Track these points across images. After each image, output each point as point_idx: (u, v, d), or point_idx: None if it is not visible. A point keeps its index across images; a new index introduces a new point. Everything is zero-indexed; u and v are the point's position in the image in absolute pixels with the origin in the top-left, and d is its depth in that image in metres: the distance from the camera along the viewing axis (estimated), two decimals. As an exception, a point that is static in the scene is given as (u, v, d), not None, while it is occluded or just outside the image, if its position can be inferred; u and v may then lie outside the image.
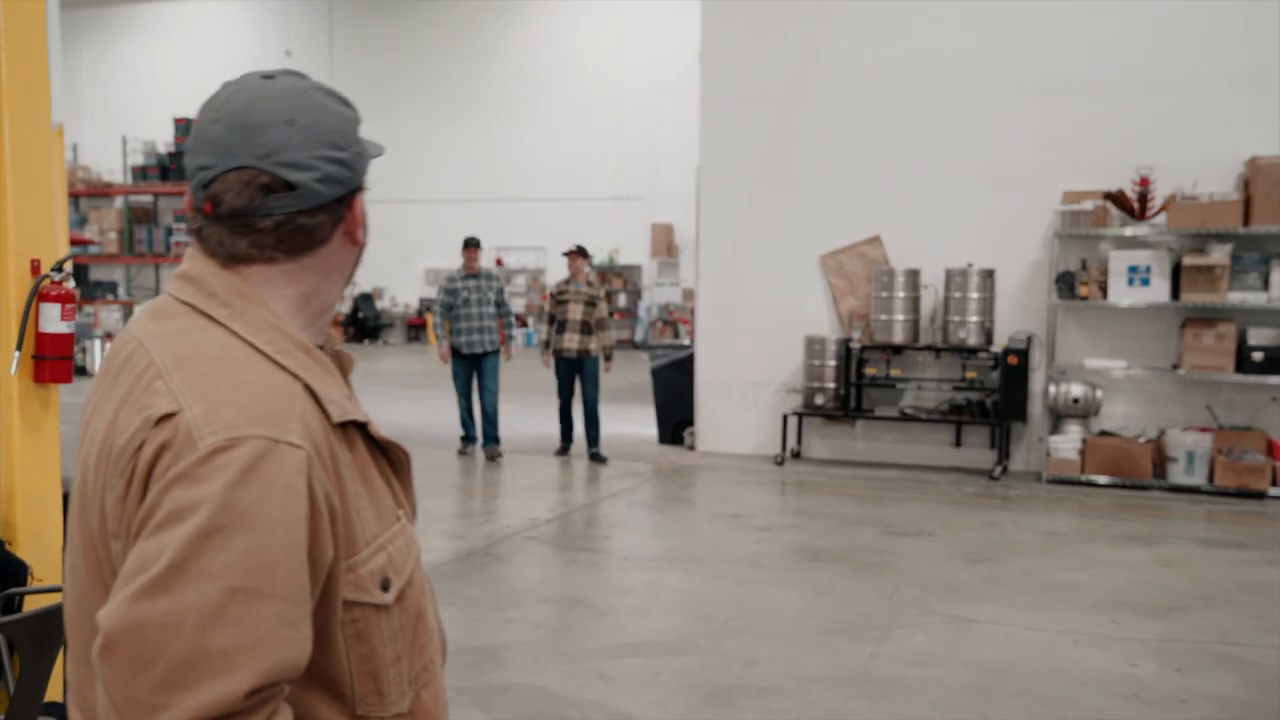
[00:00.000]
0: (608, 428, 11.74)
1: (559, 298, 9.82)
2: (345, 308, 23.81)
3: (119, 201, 24.87)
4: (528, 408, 13.13)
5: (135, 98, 24.85)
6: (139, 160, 22.36)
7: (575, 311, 9.69)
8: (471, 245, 9.77)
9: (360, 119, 1.38)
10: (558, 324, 9.77)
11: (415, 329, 24.53)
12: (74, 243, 18.34)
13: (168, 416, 1.17)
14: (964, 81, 9.51)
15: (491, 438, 9.81)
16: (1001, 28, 9.40)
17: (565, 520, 7.71)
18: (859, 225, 9.77)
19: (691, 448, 10.43)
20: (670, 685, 4.67)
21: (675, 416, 10.74)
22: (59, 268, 3.71)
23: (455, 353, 9.69)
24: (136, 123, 24.27)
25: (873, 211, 9.76)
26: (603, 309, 9.91)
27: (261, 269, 1.30)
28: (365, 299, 23.76)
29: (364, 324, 23.73)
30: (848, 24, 9.85)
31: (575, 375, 9.84)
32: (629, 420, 12.08)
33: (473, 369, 9.70)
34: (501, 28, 22.86)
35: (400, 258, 23.65)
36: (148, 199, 24.47)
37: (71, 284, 3.74)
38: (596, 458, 9.84)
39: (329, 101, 1.33)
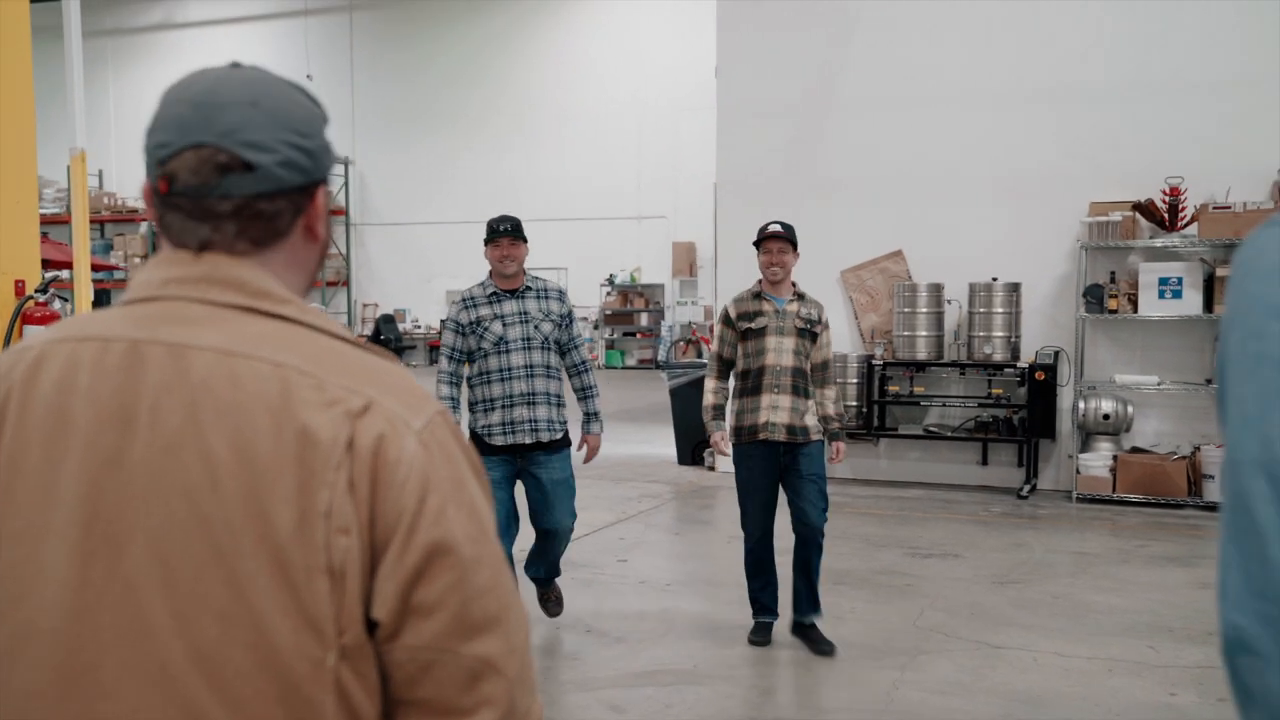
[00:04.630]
0: (625, 448, 11.53)
1: (748, 321, 5.28)
2: (368, 329, 23.78)
3: (143, 227, 24.97)
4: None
5: (159, 124, 24.97)
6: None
7: (783, 350, 5.22)
8: (505, 234, 5.06)
9: (327, 118, 1.32)
10: (746, 376, 5.27)
11: (437, 350, 24.48)
12: (96, 268, 18.32)
13: (365, 409, 1.14)
14: (986, 90, 9.31)
15: (548, 576, 5.55)
16: (1025, 34, 9.21)
17: (581, 543, 7.51)
18: (880, 239, 9.57)
19: (711, 468, 10.22)
20: (683, 716, 4.48)
21: (695, 437, 10.54)
22: (44, 289, 3.59)
23: (480, 445, 5.05)
24: (160, 148, 24.39)
25: (894, 225, 9.56)
26: (827, 341, 5.39)
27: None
28: (387, 320, 23.74)
29: (386, 345, 23.70)
30: (866, 34, 9.68)
31: (780, 474, 5.25)
32: (648, 441, 11.90)
33: (514, 477, 5.15)
34: (520, 49, 22.84)
35: (421, 280, 23.61)
36: (171, 224, 24.58)
37: (58, 306, 3.61)
38: (818, 645, 5.21)
39: (295, 93, 1.28)
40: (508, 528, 5.10)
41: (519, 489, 5.22)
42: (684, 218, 21.73)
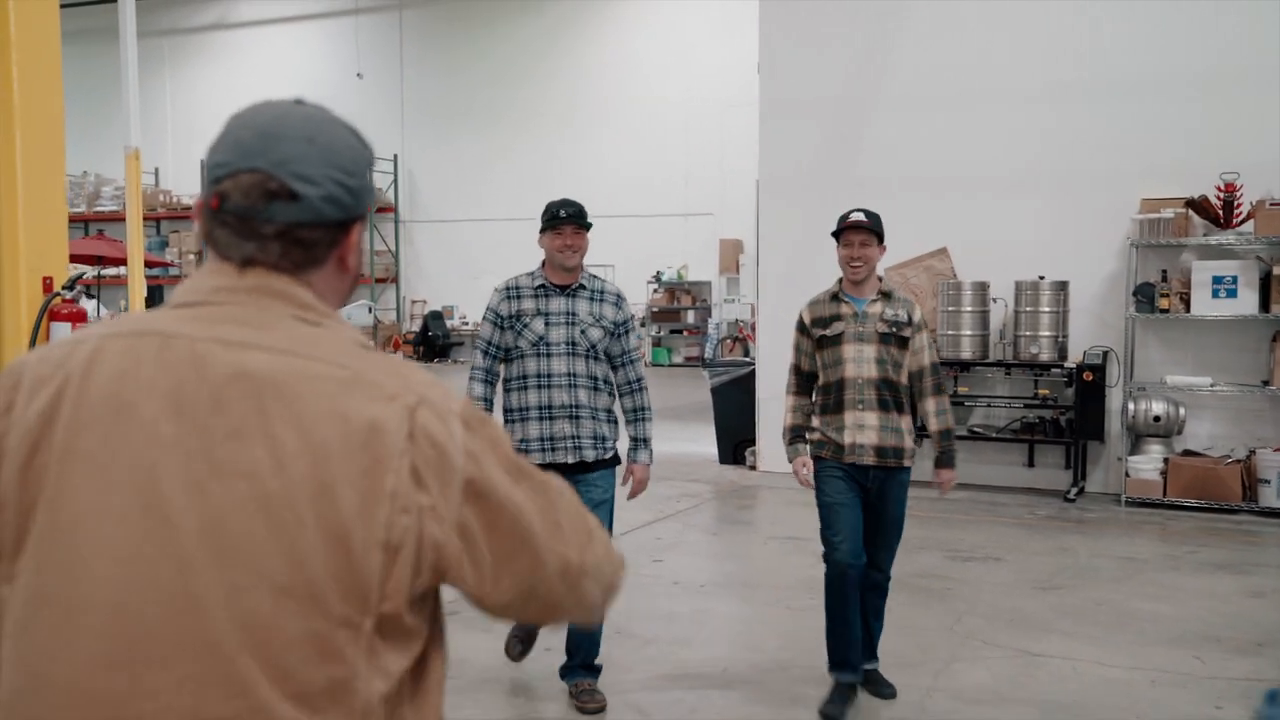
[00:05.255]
0: (667, 446, 11.45)
1: (823, 327, 4.60)
2: (415, 325, 23.92)
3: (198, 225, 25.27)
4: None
5: (215, 122, 25.11)
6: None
7: (864, 359, 4.49)
8: (568, 220, 4.46)
9: (374, 160, 1.46)
10: (826, 390, 4.58)
11: (485, 348, 24.51)
12: (150, 264, 18.58)
13: (418, 404, 1.28)
14: (1034, 84, 9.12)
15: (585, 663, 4.66)
16: (1073, 26, 9.00)
17: (617, 543, 7.45)
18: (924, 237, 9.41)
19: (753, 467, 10.13)
20: (709, 722, 4.40)
21: (736, 435, 10.45)
22: (70, 286, 3.59)
23: None
24: (214, 146, 24.68)
25: (938, 222, 9.39)
26: (923, 345, 4.58)
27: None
28: (435, 317, 23.85)
29: (434, 342, 23.81)
30: (910, 27, 9.52)
31: (867, 504, 4.54)
32: (691, 439, 11.82)
33: None
34: (568, 46, 22.84)
35: (469, 277, 23.69)
36: (224, 221, 24.87)
37: (85, 302, 3.62)
38: (877, 689, 4.70)
39: (349, 135, 1.41)
40: None
41: None
42: (731, 215, 21.60)
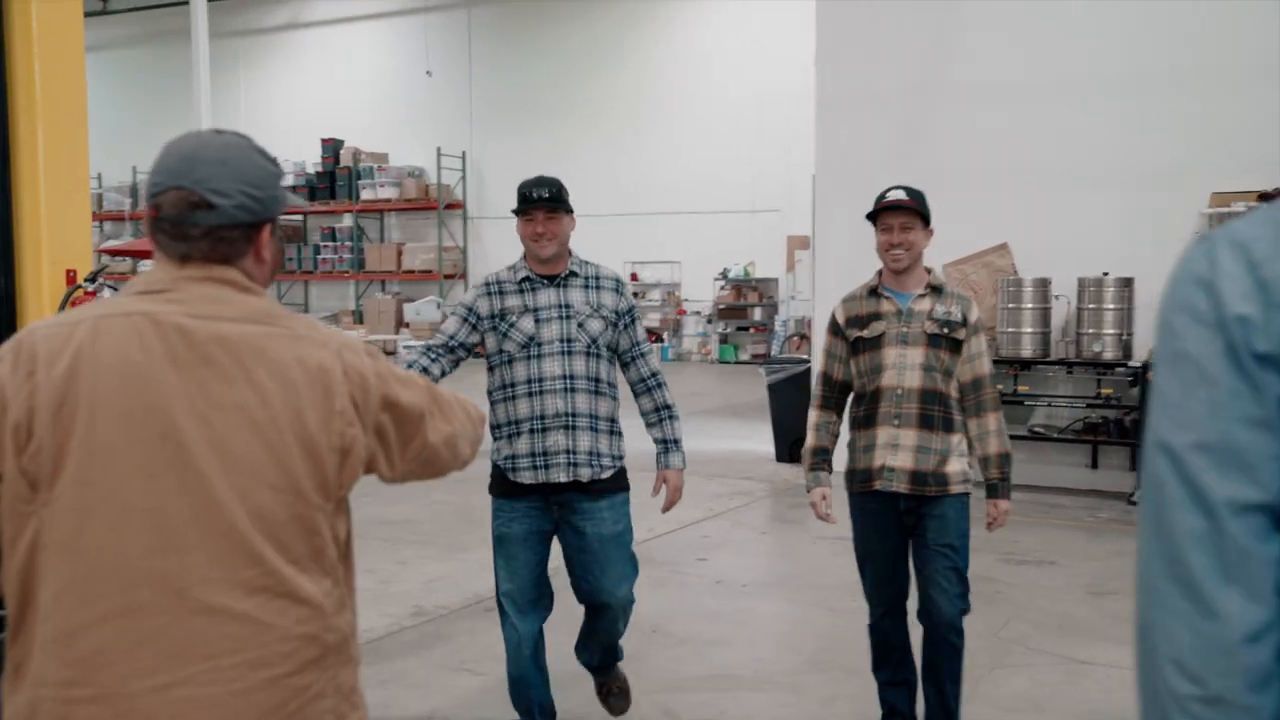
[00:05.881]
0: (724, 444, 11.37)
1: (859, 328, 3.94)
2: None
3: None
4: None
5: (286, 120, 25.72)
6: (289, 181, 23.07)
7: (907, 365, 3.84)
8: (539, 203, 3.80)
9: (282, 175, 1.90)
10: (859, 401, 3.97)
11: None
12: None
13: (340, 348, 1.81)
14: (1099, 75, 8.85)
15: (602, 662, 4.28)
16: (1139, 17, 8.70)
17: (663, 541, 7.39)
18: (984, 232, 9.18)
19: (808, 466, 9.97)
20: (736, 724, 4.32)
21: (793, 433, 10.30)
22: (92, 278, 3.62)
23: (501, 484, 3.88)
24: (288, 144, 25.12)
25: (999, 217, 9.16)
26: (980, 351, 3.89)
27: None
28: (503, 314, 24.04)
29: (501, 339, 24.03)
30: (973, 17, 9.30)
31: (906, 539, 3.97)
32: (748, 436, 11.71)
33: (548, 531, 3.92)
34: (636, 41, 22.79)
35: (536, 273, 23.82)
36: (297, 218, 25.30)
37: (106, 294, 3.65)
38: None
39: (257, 156, 1.83)
40: (537, 600, 3.92)
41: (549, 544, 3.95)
42: (798, 211, 21.35)
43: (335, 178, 24.41)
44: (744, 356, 22.42)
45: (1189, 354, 1.17)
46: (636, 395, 4.01)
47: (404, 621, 5.64)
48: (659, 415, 3.99)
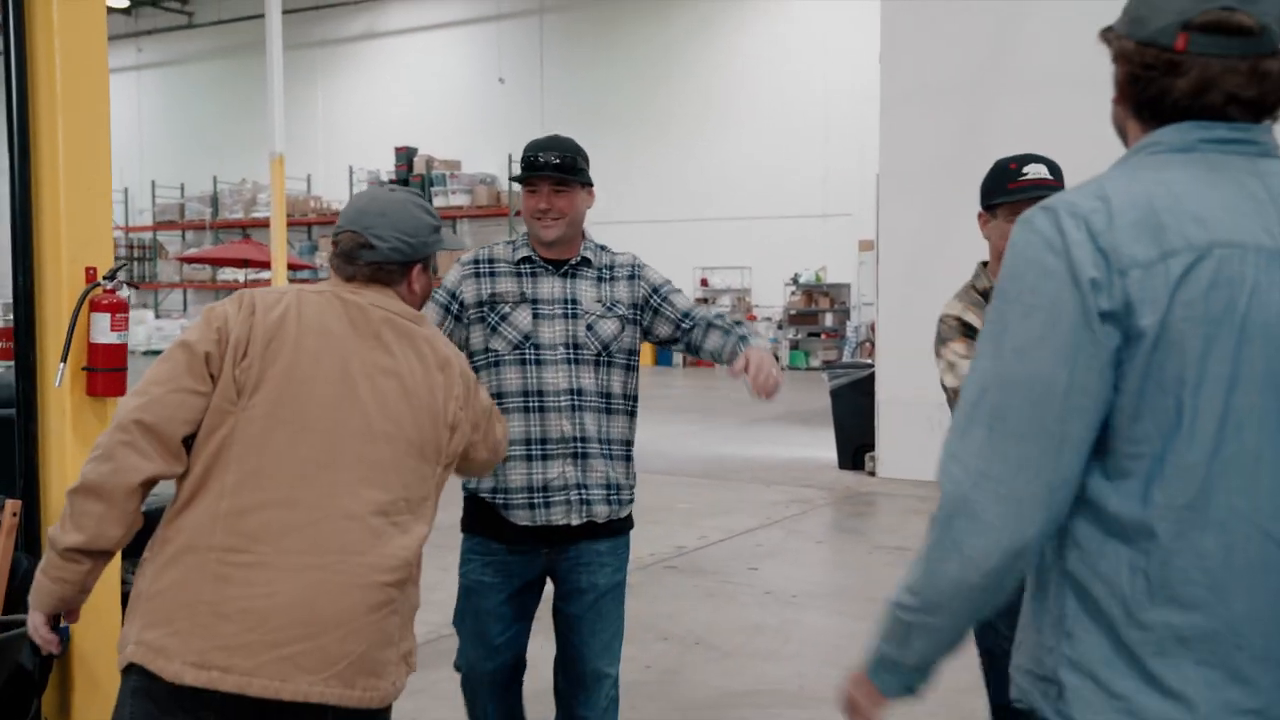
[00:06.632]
0: (786, 450, 11.14)
1: None
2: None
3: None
4: (703, 416, 12.66)
5: (361, 128, 26.07)
6: (363, 186, 23.32)
7: None
8: (545, 171, 2.92)
9: (438, 225, 2.39)
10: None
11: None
12: (295, 267, 19.20)
13: (458, 351, 2.44)
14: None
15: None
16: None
17: (714, 549, 7.21)
18: (1055, 231, 8.84)
19: (872, 473, 9.71)
20: (771, 743, 4.13)
21: (856, 440, 10.05)
22: (111, 276, 3.56)
23: (480, 523, 3.11)
24: (362, 152, 25.42)
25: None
26: None
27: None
28: (573, 320, 24.04)
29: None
30: (1041, 4, 8.97)
31: None
32: (811, 444, 11.46)
33: (535, 582, 3.13)
34: (707, 45, 22.64)
35: (606, 278, 23.79)
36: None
37: (125, 293, 3.59)
38: None
39: (416, 210, 2.35)
40: (513, 670, 3.25)
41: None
42: (870, 214, 20.99)
43: (408, 185, 24.63)
44: (815, 363, 22.10)
45: (1042, 306, 1.37)
46: (705, 337, 3.06)
47: (443, 630, 5.54)
48: (730, 329, 3.07)
